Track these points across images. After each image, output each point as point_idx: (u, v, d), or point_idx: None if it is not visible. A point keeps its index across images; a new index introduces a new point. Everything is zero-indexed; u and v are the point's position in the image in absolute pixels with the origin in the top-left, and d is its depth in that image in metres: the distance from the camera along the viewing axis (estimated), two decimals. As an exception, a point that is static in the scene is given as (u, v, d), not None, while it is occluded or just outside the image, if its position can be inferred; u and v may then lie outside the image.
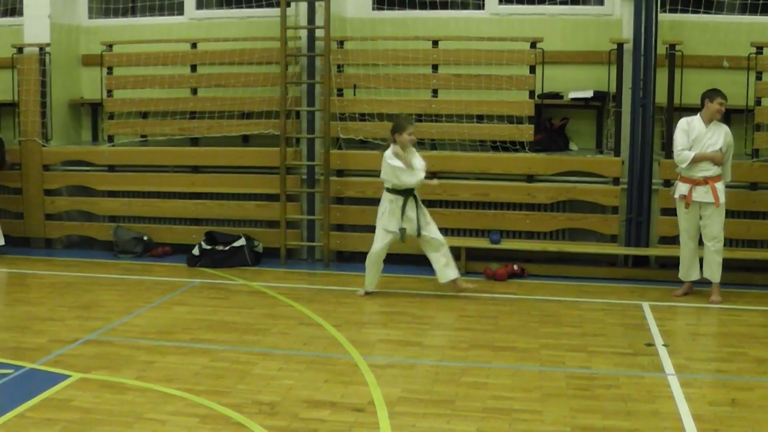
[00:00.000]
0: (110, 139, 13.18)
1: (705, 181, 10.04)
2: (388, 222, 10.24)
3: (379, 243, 10.29)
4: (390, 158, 10.05)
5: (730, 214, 10.37)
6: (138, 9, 13.83)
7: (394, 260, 10.84)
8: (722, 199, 10.02)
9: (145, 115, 13.14)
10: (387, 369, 7.64)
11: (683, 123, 10.20)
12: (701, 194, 10.07)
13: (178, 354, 8.09)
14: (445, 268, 10.26)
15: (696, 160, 10.07)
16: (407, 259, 11.57)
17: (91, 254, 12.79)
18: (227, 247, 12.01)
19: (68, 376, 7.36)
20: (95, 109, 13.96)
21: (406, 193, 10.18)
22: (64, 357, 7.93)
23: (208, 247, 12.04)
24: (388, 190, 10.24)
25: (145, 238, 12.68)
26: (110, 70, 13.09)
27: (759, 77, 11.32)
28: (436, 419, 6.46)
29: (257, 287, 10.80)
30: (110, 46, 13.10)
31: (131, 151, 13.02)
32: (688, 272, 10.42)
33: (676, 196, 10.31)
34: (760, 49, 11.29)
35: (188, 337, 8.66)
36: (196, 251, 12.07)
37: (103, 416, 6.48)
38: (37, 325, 9.03)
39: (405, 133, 10.05)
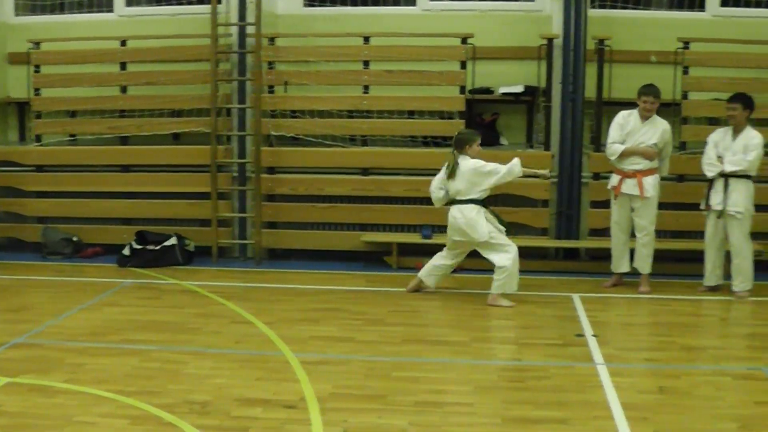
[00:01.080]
0: (38, 138, 13.00)
1: (634, 174, 10.15)
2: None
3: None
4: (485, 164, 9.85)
5: (658, 205, 10.47)
6: (66, 6, 13.67)
7: (328, 257, 10.84)
8: (650, 192, 10.14)
9: (73, 114, 13.00)
10: (319, 365, 7.62)
11: (619, 116, 10.34)
12: (630, 187, 10.20)
13: (109, 355, 8.01)
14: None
15: (626, 154, 10.19)
16: (341, 256, 11.58)
17: (20, 256, 12.60)
18: (158, 247, 11.92)
19: (-4, 380, 7.27)
20: (22, 108, 13.77)
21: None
22: (-8, 360, 7.84)
23: (139, 247, 11.94)
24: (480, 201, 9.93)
25: (75, 238, 12.54)
26: (37, 68, 12.92)
27: (686, 71, 11.53)
28: (369, 414, 6.46)
29: (189, 286, 10.74)
30: (37, 43, 12.91)
31: (60, 150, 12.86)
32: (617, 264, 10.55)
33: (609, 187, 10.43)
34: (686, 44, 11.47)
35: (119, 338, 8.57)
36: (126, 251, 11.96)
37: (32, 420, 6.39)
38: (-36, 329, 8.91)
39: (475, 144, 9.93)
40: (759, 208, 10.64)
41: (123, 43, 12.74)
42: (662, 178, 10.45)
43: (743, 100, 10.06)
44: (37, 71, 12.93)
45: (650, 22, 12.16)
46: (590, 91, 11.52)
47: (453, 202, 9.94)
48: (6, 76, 13.81)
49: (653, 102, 10.15)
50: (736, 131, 10.08)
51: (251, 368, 7.56)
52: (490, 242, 9.82)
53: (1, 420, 6.40)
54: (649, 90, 10.15)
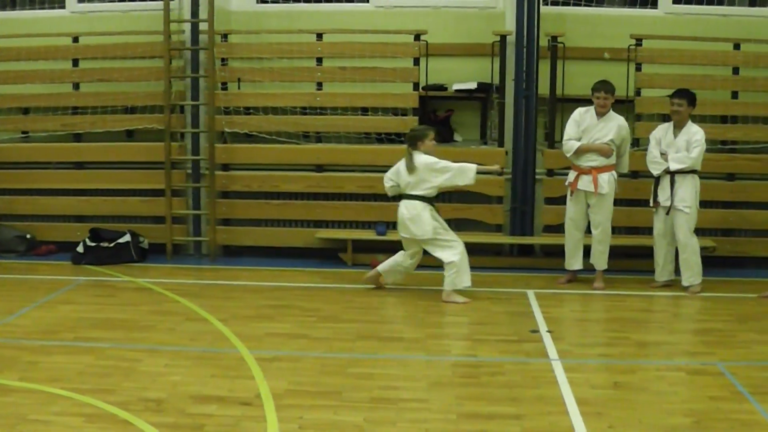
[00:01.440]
0: (-10, 135, 12.91)
1: (590, 170, 10.23)
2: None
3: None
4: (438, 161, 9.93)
5: (614, 201, 10.53)
6: (18, 2, 13.52)
7: (282, 254, 10.83)
8: (606, 189, 10.20)
9: (26, 111, 12.88)
10: (274, 362, 7.64)
11: (576, 113, 10.42)
12: (585, 183, 10.27)
13: (63, 353, 7.97)
14: None
15: (581, 151, 10.27)
16: (295, 253, 11.58)
17: (-29, 254, 12.53)
18: (112, 244, 11.86)
19: (-52, 379, 7.22)
20: (-26, 105, 13.65)
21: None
22: (-56, 360, 7.77)
23: (93, 244, 11.87)
24: (428, 199, 9.97)
25: (29, 236, 12.44)
26: (-12, 64, 12.82)
27: (639, 68, 11.60)
28: (324, 410, 6.49)
29: (143, 284, 10.69)
30: (-11, 40, 12.82)
31: (12, 147, 12.74)
32: (570, 261, 10.62)
33: (566, 183, 10.50)
34: (639, 41, 11.55)
35: (73, 336, 8.53)
36: (80, 248, 11.89)
37: (-15, 418, 6.38)
38: None
39: (428, 140, 9.99)
40: (708, 204, 10.79)
41: (75, 39, 12.64)
42: (620, 175, 10.52)
43: (688, 95, 10.16)
44: (-12, 67, 12.82)
45: (603, 19, 12.23)
46: (544, 88, 11.59)
47: (402, 196, 9.97)
48: (-43, 72, 13.67)
49: (605, 98, 10.21)
50: (678, 127, 10.18)
51: (206, 365, 7.55)
52: (435, 239, 9.87)
53: (-47, 419, 6.37)
54: (601, 86, 10.22)
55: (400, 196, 10.02)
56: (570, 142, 10.36)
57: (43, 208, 12.59)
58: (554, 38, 11.55)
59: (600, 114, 10.26)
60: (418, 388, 7.01)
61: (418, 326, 8.82)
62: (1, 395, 6.86)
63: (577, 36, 12.00)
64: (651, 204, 10.38)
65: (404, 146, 10.73)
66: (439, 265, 10.08)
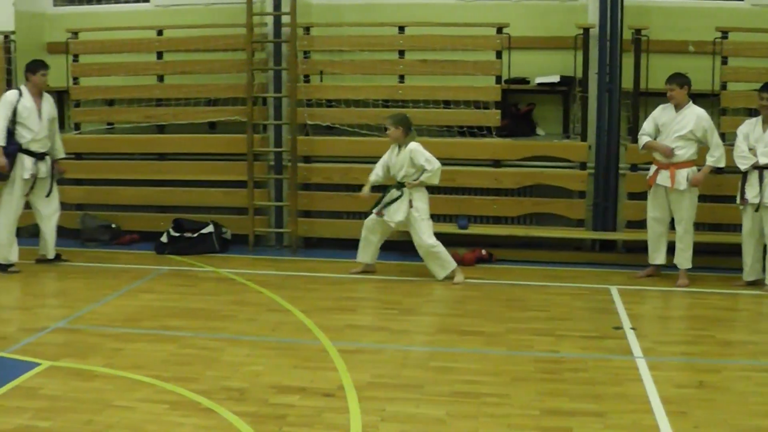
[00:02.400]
0: (76, 126, 13.10)
1: (668, 166, 10.10)
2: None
3: None
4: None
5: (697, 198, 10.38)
6: (103, -4, 13.77)
7: (356, 247, 10.84)
8: (683, 185, 10.05)
9: (111, 103, 13.08)
10: (355, 354, 7.65)
11: (657, 109, 10.33)
12: (663, 178, 10.15)
13: (145, 341, 8.07)
14: None
15: (648, 147, 10.21)
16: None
17: (58, 242, 12.54)
18: (195, 234, 11.99)
19: (37, 364, 7.33)
20: (61, 96, 13.80)
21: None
22: (33, 345, 7.90)
23: (176, 234, 12.01)
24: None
25: (113, 225, 12.62)
26: (76, 57, 13.01)
27: (724, 62, 11.41)
28: (405, 403, 6.49)
29: (225, 274, 10.78)
30: (75, 33, 13.00)
31: (98, 138, 12.95)
32: (653, 255, 10.49)
33: (648, 178, 10.39)
34: (725, 34, 11.36)
35: (156, 324, 8.63)
36: (164, 238, 12.04)
37: (72, 404, 6.47)
38: (4, 314, 9.01)
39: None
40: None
41: (159, 32, 12.81)
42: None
43: None
44: (75, 61, 13.03)
45: (688, 11, 12.04)
46: (627, 82, 11.44)
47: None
48: (45, 65, 13.90)
49: (671, 89, 10.09)
50: (767, 122, 10.01)
51: (287, 356, 7.59)
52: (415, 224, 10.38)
53: (41, 403, 6.48)
54: (669, 78, 10.14)
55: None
56: (641, 138, 10.34)
57: (127, 199, 12.76)
58: (638, 31, 11.41)
59: (675, 107, 10.12)
60: (500, 382, 6.97)
61: (498, 320, 8.76)
62: (86, 381, 6.98)
63: (662, 29, 11.84)
64: (738, 201, 10.17)
65: (485, 139, 10.76)
66: (519, 259, 10.00)
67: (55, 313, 9.00)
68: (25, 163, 10.82)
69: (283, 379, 7.01)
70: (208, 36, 12.44)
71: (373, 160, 11.39)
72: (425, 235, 10.32)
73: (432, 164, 10.27)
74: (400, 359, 7.53)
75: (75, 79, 13.02)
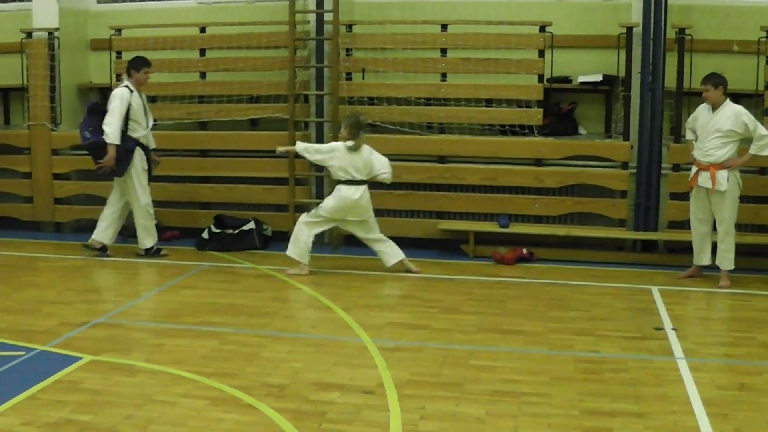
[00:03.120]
0: (119, 123, 13.18)
1: (708, 167, 10.02)
2: None
3: None
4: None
5: (739, 198, 10.28)
6: (147, -7, 13.86)
7: (403, 244, 10.82)
8: (724, 186, 9.97)
9: (153, 99, 13.09)
10: (395, 352, 7.65)
11: (697, 109, 10.27)
12: (704, 179, 10.07)
13: (187, 337, 8.12)
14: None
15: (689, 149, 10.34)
16: (416, 243, 11.58)
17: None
18: (236, 231, 12.04)
19: (78, 359, 7.39)
20: (104, 93, 13.92)
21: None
22: (74, 339, 7.96)
23: (218, 231, 12.07)
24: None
25: (155, 221, 12.67)
26: (119, 54, 13.11)
27: (769, 61, 11.31)
28: (445, 402, 6.48)
29: (266, 270, 10.82)
30: (119, 30, 13.11)
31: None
32: (697, 256, 10.41)
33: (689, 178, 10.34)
34: (770, 33, 11.28)
35: (197, 320, 8.68)
36: (205, 235, 12.10)
37: (113, 398, 6.51)
38: (47, 308, 9.07)
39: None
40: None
41: (202, 29, 12.89)
42: (742, 170, 10.25)
43: None
44: (118, 57, 13.12)
45: (732, 10, 11.93)
46: (670, 81, 11.37)
47: (356, 182, 10.50)
48: (88, 62, 14.03)
49: (705, 89, 10.02)
50: None
51: (328, 353, 7.60)
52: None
53: (82, 396, 6.53)
54: (705, 79, 10.07)
55: (348, 181, 10.48)
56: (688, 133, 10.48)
57: (168, 195, 12.82)
58: (681, 30, 11.33)
59: (712, 107, 10.06)
60: (540, 382, 6.94)
61: (539, 320, 8.73)
62: (128, 375, 7.03)
63: (705, 28, 11.75)
64: None
65: (526, 138, 10.73)
66: (556, 258, 9.94)
67: (97, 308, 9.06)
68: (142, 155, 11.43)
69: (324, 376, 7.03)
70: (251, 33, 12.51)
71: (414, 158, 11.43)
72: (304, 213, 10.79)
73: None
74: (440, 357, 7.52)
75: (118, 75, 13.09)
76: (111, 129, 11.03)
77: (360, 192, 10.39)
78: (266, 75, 12.55)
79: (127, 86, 11.23)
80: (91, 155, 11.41)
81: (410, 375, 7.05)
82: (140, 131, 11.32)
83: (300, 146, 10.68)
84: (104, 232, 11.54)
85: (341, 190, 10.36)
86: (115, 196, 11.62)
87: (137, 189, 11.37)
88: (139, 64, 11.34)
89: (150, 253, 11.53)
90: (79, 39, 13.78)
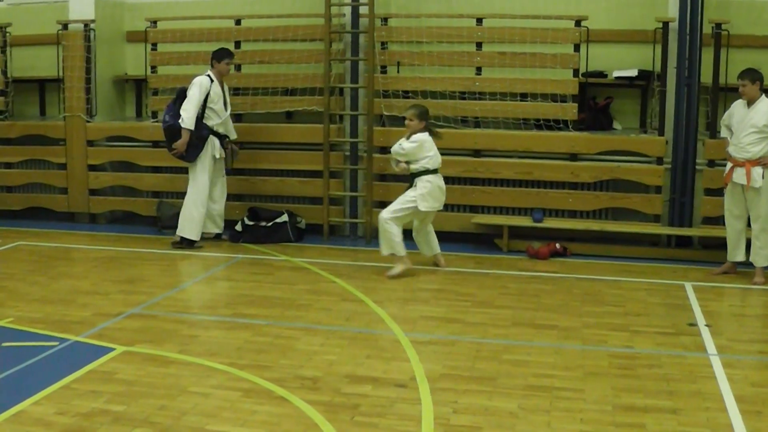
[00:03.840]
0: (154, 115, 13.24)
1: (743, 163, 9.95)
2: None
3: None
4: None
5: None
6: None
7: (438, 238, 10.79)
8: (759, 182, 9.85)
9: (188, 92, 13.20)
10: (428, 345, 7.66)
11: (733, 105, 10.19)
12: (739, 176, 9.99)
13: (220, 328, 8.16)
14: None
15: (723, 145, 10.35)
16: (451, 237, 11.56)
17: (134, 229, 12.91)
18: (270, 223, 12.07)
19: (112, 349, 7.45)
20: (139, 85, 14.05)
21: None
22: (108, 330, 8.02)
23: (251, 223, 12.11)
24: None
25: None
26: (154, 46, 13.18)
27: (806, 57, 11.22)
28: (478, 396, 6.48)
29: (300, 263, 10.84)
30: (154, 22, 13.16)
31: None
32: (732, 252, 10.34)
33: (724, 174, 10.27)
34: (807, 28, 11.19)
35: (231, 311, 8.72)
36: (239, 227, 12.14)
37: (146, 389, 6.56)
38: (81, 299, 9.13)
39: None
40: None
41: (238, 22, 12.92)
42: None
43: None
44: (154, 49, 13.20)
45: (770, 6, 11.88)
46: (706, 77, 11.28)
47: (432, 171, 10.25)
48: (124, 53, 14.09)
49: (743, 84, 9.93)
50: None
51: (361, 346, 7.62)
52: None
53: (117, 387, 6.58)
54: (742, 74, 9.99)
55: (426, 171, 10.21)
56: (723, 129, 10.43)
57: (203, 187, 12.88)
58: (718, 25, 11.24)
59: (748, 102, 9.98)
60: (573, 377, 6.93)
61: (573, 315, 8.71)
62: (162, 366, 7.07)
63: (742, 23, 11.64)
64: None
65: (561, 133, 10.70)
66: (590, 253, 9.89)
67: (131, 299, 9.11)
68: (216, 144, 11.73)
69: (357, 369, 7.04)
70: (286, 26, 12.52)
71: (449, 151, 11.38)
72: (386, 209, 10.34)
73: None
74: (473, 351, 7.52)
75: (153, 67, 13.19)
76: (187, 115, 11.38)
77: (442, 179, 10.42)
78: (301, 68, 12.56)
79: (208, 75, 11.56)
80: (166, 138, 11.68)
81: (443, 369, 7.05)
82: (216, 120, 11.66)
83: (394, 149, 10.35)
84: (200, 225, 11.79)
85: (433, 180, 10.19)
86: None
87: (199, 176, 11.65)
88: (220, 56, 11.66)
89: (185, 243, 11.63)
90: (115, 31, 13.85)
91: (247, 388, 6.59)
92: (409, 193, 10.19)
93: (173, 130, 11.44)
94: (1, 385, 6.66)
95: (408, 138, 10.15)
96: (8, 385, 6.67)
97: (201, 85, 11.44)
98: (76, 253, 11.57)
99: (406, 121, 10.20)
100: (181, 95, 11.56)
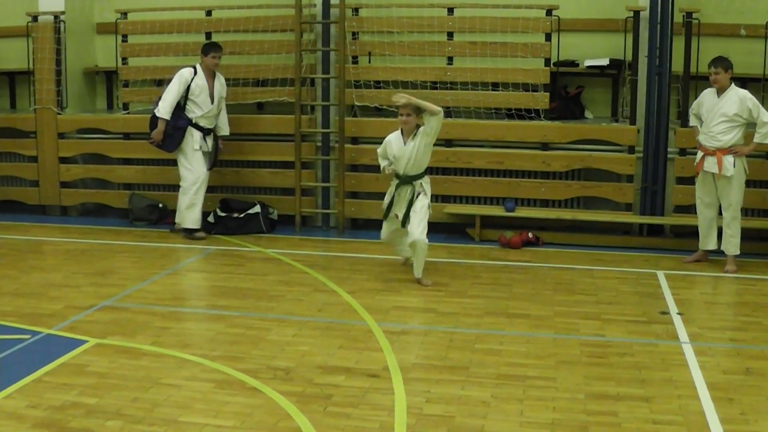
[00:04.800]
0: (125, 106, 13.21)
1: (714, 152, 9.98)
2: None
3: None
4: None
5: (746, 183, 10.24)
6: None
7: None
8: (730, 171, 9.91)
9: (159, 83, 13.12)
10: (401, 335, 7.66)
11: (702, 93, 10.20)
12: (710, 164, 10.02)
13: (193, 320, 8.15)
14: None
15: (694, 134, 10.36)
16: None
17: (106, 221, 12.85)
18: (242, 214, 12.05)
19: (84, 342, 7.41)
20: (110, 76, 13.98)
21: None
22: (80, 323, 7.98)
23: (223, 214, 12.08)
24: None
25: (160, 205, 12.71)
26: (125, 37, 13.12)
27: (776, 45, 11.27)
28: (451, 385, 6.48)
29: (272, 254, 10.82)
30: (125, 14, 13.09)
31: (146, 119, 12.92)
32: (704, 241, 10.38)
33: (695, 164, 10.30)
34: (777, 17, 11.23)
35: (203, 303, 8.71)
36: (211, 218, 12.11)
37: (119, 381, 6.53)
38: (53, 292, 9.08)
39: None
40: None
41: (208, 13, 12.87)
42: (750, 155, 10.20)
43: None
44: (124, 41, 13.14)
45: (740, -6, 11.93)
46: (677, 65, 11.32)
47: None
48: (94, 45, 14.03)
49: (716, 72, 9.91)
50: None
51: (334, 336, 7.61)
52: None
53: (89, 379, 6.55)
54: (713, 62, 9.98)
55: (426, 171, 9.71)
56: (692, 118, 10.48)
57: (174, 178, 12.78)
58: (689, 14, 11.27)
59: (718, 91, 10.01)
60: (546, 366, 6.94)
61: (545, 304, 8.73)
62: (134, 358, 7.04)
63: (713, 12, 11.71)
64: None
65: (533, 122, 10.68)
66: (562, 242, 9.89)
67: (102, 291, 9.07)
68: (194, 135, 11.65)
69: (329, 359, 7.04)
70: (257, 17, 12.48)
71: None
72: (421, 228, 9.44)
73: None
74: (446, 341, 7.52)
75: (124, 59, 13.12)
76: (163, 104, 11.45)
77: None
78: (273, 58, 12.52)
79: (194, 67, 11.60)
80: (149, 127, 11.69)
81: (416, 358, 7.06)
82: (197, 112, 11.62)
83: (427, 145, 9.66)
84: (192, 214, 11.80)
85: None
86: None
87: (184, 166, 11.73)
88: (206, 49, 11.68)
89: (184, 232, 11.76)
90: (85, 22, 13.77)
91: (219, 380, 6.58)
92: (422, 201, 9.45)
93: (154, 118, 11.52)
94: (-27, 378, 6.63)
95: (412, 136, 9.45)
96: (-20, 378, 6.64)
97: (181, 76, 11.47)
98: (47, 246, 11.50)
99: (404, 118, 9.45)
100: None
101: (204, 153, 11.73)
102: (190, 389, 6.39)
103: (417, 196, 9.48)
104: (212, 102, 11.70)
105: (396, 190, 9.62)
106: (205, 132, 11.72)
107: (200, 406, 6.09)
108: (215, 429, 5.73)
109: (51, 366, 6.84)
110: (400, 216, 9.54)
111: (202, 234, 11.74)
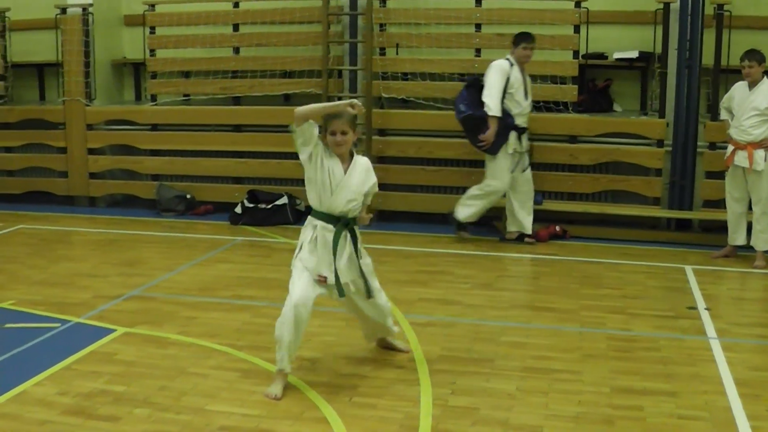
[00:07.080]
0: (153, 98, 13.25)
1: (745, 146, 9.92)
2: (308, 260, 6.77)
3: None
4: None
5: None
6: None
7: (436, 220, 10.79)
8: (762, 165, 9.79)
9: (187, 75, 13.19)
10: (427, 327, 7.65)
11: (733, 87, 10.12)
12: (741, 158, 9.95)
13: (219, 310, 8.15)
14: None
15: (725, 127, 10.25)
16: (447, 219, 11.53)
17: (134, 212, 12.90)
18: (269, 206, 12.07)
19: (112, 331, 7.45)
20: (138, 68, 14.02)
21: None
22: (108, 312, 8.03)
23: (251, 206, 12.10)
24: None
25: (188, 196, 12.74)
26: (153, 29, 13.15)
27: (809, 38, 11.17)
28: (476, 377, 6.48)
29: (299, 246, 10.82)
30: (152, 5, 13.13)
31: (174, 110, 13.07)
32: (732, 236, 10.30)
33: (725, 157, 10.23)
34: (811, 9, 11.14)
35: (230, 293, 8.71)
36: (238, 209, 12.13)
37: (146, 369, 6.57)
38: (81, 281, 9.13)
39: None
40: None
41: (236, 4, 12.87)
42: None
43: None
44: (152, 33, 13.16)
45: (772, -14, 11.83)
46: (708, 58, 11.23)
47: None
48: (122, 37, 14.08)
49: (750, 66, 9.82)
50: None
51: (359, 327, 7.57)
52: None
53: (117, 367, 6.59)
54: (746, 55, 9.87)
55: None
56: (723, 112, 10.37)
57: (202, 169, 12.89)
58: (720, 6, 11.18)
59: (750, 84, 9.93)
60: (571, 359, 6.92)
61: (571, 297, 8.69)
62: (161, 348, 7.08)
63: (744, 4, 11.59)
64: None
65: (561, 115, 10.66)
66: (589, 236, 9.87)
67: (130, 281, 9.11)
68: (510, 138, 10.76)
69: (355, 350, 7.05)
70: (284, 8, 12.48)
71: (448, 133, 11.37)
72: (383, 295, 6.94)
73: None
74: (471, 333, 7.52)
75: (152, 51, 13.15)
76: (491, 100, 10.53)
77: None
78: (299, 50, 12.54)
79: (507, 59, 10.76)
80: (464, 130, 11.00)
81: (441, 350, 7.05)
82: (514, 110, 10.72)
83: None
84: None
85: None
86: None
87: (498, 171, 10.88)
88: (518, 40, 10.73)
89: (517, 238, 11.10)
90: (113, 14, 13.82)
91: (245, 369, 6.60)
92: (366, 259, 6.98)
93: (471, 119, 10.68)
94: (4, 365, 6.68)
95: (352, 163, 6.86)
96: (10, 365, 6.69)
97: (500, 69, 10.59)
98: (75, 236, 11.57)
99: (339, 137, 6.73)
100: (472, 83, 10.90)
101: (519, 153, 10.92)
102: (216, 378, 6.41)
103: (358, 250, 6.80)
104: (527, 98, 10.89)
105: (333, 238, 6.72)
106: (520, 131, 10.85)
107: (226, 395, 6.12)
108: (241, 418, 5.76)
109: (80, 354, 6.88)
110: (356, 286, 6.77)
111: (532, 240, 11.06)
